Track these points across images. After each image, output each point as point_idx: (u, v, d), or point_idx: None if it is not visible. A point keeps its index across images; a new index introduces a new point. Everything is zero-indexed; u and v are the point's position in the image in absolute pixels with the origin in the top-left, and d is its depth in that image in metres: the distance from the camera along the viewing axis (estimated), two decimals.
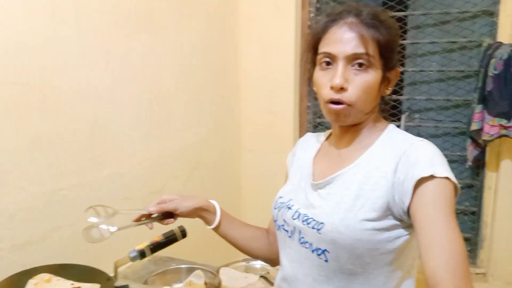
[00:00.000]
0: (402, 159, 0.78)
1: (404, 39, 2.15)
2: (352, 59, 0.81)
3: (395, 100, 2.16)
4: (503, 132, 1.75)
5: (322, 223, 0.83)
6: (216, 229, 1.02)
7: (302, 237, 0.87)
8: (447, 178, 0.75)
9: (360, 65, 0.81)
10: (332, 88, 0.81)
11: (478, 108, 1.80)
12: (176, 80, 1.77)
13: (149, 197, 1.45)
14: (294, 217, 0.89)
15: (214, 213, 1.02)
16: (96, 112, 1.38)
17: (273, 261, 1.06)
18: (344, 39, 0.81)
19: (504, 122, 1.73)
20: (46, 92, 1.22)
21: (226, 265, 1.40)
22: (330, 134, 0.99)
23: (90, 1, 1.32)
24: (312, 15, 2.23)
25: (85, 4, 1.30)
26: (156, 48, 1.63)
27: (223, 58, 2.15)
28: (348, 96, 0.81)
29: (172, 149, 1.76)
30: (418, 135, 0.83)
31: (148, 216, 1.01)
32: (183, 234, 1.12)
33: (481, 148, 1.90)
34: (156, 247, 1.09)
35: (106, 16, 1.38)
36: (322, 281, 0.85)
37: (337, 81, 0.80)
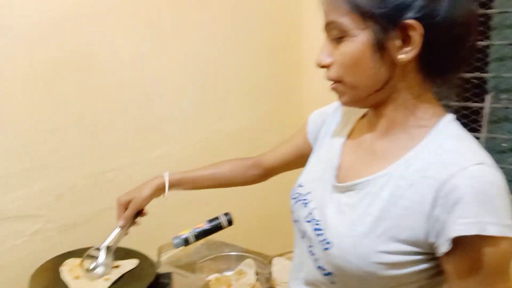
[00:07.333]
0: (444, 190, 0.59)
1: (490, 8, 1.89)
2: (327, 30, 0.69)
3: (478, 78, 1.91)
4: None
5: (329, 242, 0.69)
6: (182, 189, 1.01)
7: (311, 246, 0.75)
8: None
9: (335, 35, 0.67)
10: None
11: None
12: (232, 57, 1.68)
13: None
14: (307, 219, 0.76)
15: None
16: (145, 90, 1.34)
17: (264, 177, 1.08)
18: (321, 7, 0.69)
19: None
20: (92, 68, 1.19)
21: (281, 255, 1.33)
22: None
23: None
24: None
25: None
26: (211, 24, 1.56)
27: (285, 33, 2.03)
28: (330, 74, 0.71)
29: (226, 131, 1.69)
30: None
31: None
32: (229, 221, 1.06)
33: None
34: (201, 234, 1.05)
35: None
36: None
37: (316, 59, 0.71)
